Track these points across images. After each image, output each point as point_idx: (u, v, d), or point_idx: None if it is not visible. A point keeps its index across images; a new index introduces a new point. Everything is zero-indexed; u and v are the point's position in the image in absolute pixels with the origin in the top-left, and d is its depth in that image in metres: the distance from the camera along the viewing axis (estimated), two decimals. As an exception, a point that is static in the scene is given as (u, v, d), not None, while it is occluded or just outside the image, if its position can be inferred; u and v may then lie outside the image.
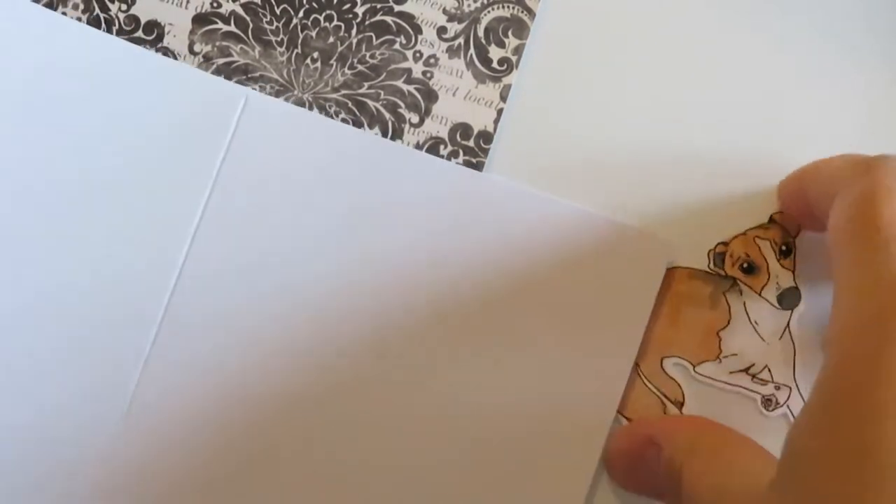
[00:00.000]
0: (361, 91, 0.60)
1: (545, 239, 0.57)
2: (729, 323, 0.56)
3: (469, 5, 0.61)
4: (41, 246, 0.57)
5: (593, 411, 0.56)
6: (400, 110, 0.60)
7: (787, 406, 0.59)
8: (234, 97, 0.58)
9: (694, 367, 0.57)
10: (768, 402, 0.58)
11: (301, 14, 0.60)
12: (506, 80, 0.61)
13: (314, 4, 0.61)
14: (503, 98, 0.61)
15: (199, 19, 0.60)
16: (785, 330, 0.57)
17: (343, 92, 0.60)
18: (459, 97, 0.61)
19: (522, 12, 0.61)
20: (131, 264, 0.57)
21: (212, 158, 0.58)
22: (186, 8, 0.60)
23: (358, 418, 0.57)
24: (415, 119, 0.60)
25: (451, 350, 0.58)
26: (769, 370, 0.58)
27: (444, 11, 0.61)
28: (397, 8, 0.61)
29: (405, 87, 0.60)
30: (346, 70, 0.60)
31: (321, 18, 0.60)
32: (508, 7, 0.61)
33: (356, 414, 0.57)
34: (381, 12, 0.61)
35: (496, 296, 0.58)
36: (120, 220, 0.58)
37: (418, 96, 0.60)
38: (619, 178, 0.59)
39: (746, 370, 0.58)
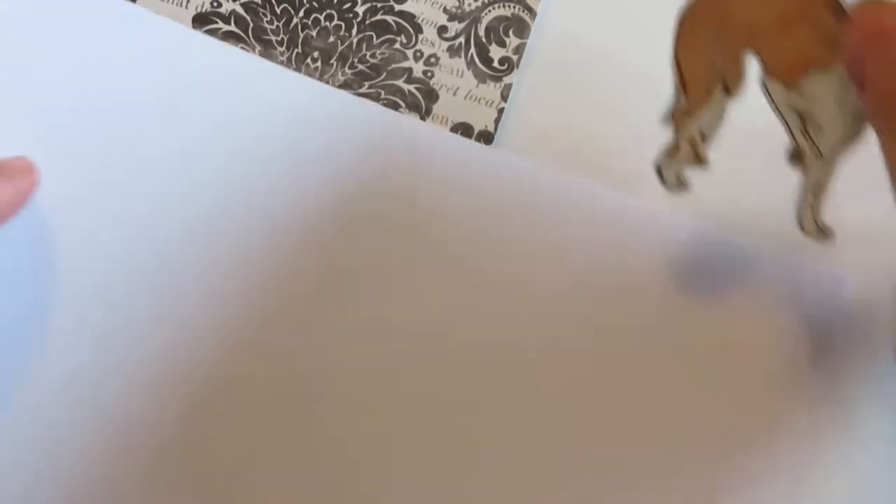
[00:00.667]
0: (362, 90, 0.60)
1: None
2: (822, 70, 0.55)
3: (470, 4, 0.61)
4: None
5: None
6: (401, 110, 0.60)
7: (808, 170, 0.57)
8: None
9: (768, 73, 0.56)
10: (796, 155, 0.57)
11: (301, 13, 0.60)
12: (507, 80, 0.61)
13: (314, 3, 0.60)
14: (504, 97, 0.61)
15: (200, 19, 0.60)
16: (859, 120, 0.56)
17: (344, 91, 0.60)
18: (460, 97, 0.60)
19: (523, 11, 0.61)
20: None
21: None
22: (186, 7, 0.60)
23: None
24: (415, 119, 0.60)
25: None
26: (821, 131, 0.56)
27: (445, 10, 0.61)
28: (398, 7, 0.61)
29: (406, 87, 0.60)
30: (347, 69, 0.60)
31: (321, 18, 0.60)
32: (509, 6, 0.61)
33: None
34: (381, 11, 0.61)
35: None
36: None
37: (419, 96, 0.60)
38: (621, 177, 0.59)
39: (802, 115, 0.57)
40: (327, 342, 0.57)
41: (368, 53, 0.60)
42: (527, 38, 0.61)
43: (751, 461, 0.58)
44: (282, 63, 0.60)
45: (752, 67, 0.55)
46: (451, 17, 0.61)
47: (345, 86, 0.60)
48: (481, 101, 0.60)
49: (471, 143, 0.59)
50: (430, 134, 0.58)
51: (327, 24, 0.60)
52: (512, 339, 0.58)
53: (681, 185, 0.57)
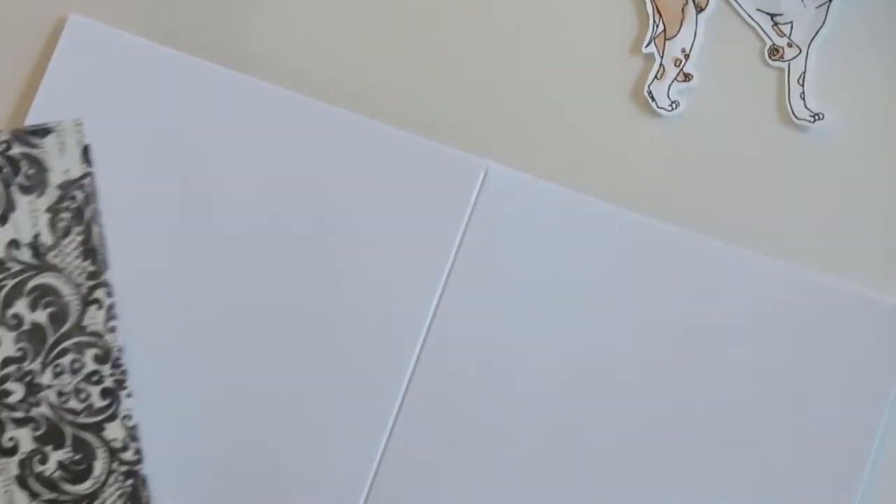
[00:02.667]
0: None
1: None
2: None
3: None
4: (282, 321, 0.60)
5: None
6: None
7: (789, 64, 0.60)
8: (475, 169, 0.61)
9: None
10: (774, 52, 0.60)
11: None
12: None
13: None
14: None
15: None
16: (827, 3, 0.60)
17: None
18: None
19: None
20: (371, 339, 0.60)
21: (453, 230, 0.60)
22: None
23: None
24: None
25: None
26: (792, 26, 0.60)
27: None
28: None
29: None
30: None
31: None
32: None
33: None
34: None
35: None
36: (362, 295, 0.61)
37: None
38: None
39: (773, 15, 0.60)
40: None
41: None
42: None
43: None
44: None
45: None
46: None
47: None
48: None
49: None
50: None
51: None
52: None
53: (672, 104, 0.61)
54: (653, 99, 0.61)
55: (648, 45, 0.61)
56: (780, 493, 0.58)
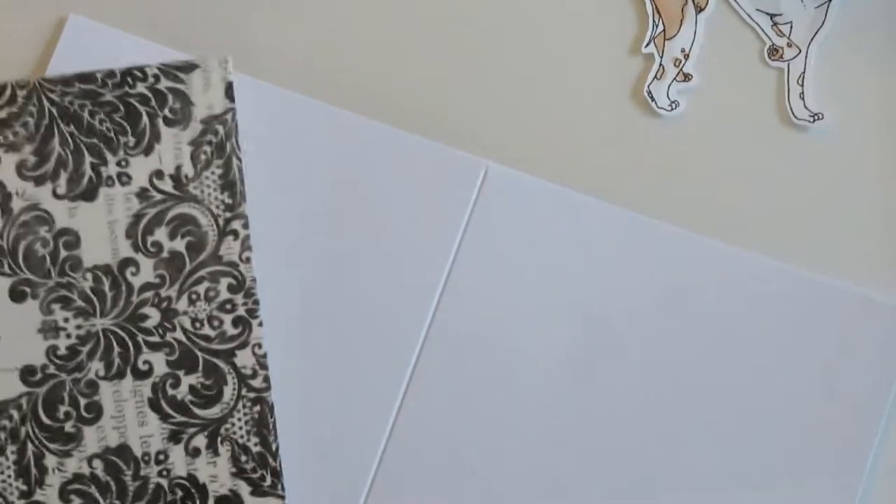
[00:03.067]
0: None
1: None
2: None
3: None
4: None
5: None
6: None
7: (788, 64, 0.60)
8: (475, 169, 0.61)
9: None
10: (774, 52, 0.60)
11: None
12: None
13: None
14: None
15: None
16: (826, 3, 0.60)
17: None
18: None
19: None
20: (372, 338, 0.60)
21: (453, 230, 0.61)
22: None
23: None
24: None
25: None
26: (791, 26, 0.60)
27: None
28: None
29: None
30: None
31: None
32: None
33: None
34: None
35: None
36: (362, 294, 0.61)
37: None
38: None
39: (772, 16, 0.60)
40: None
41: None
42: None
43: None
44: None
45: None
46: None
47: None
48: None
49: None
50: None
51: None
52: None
53: (672, 104, 0.61)
54: (652, 99, 0.61)
55: (648, 45, 0.61)
56: (781, 493, 0.58)
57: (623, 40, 0.62)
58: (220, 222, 0.60)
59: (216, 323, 0.59)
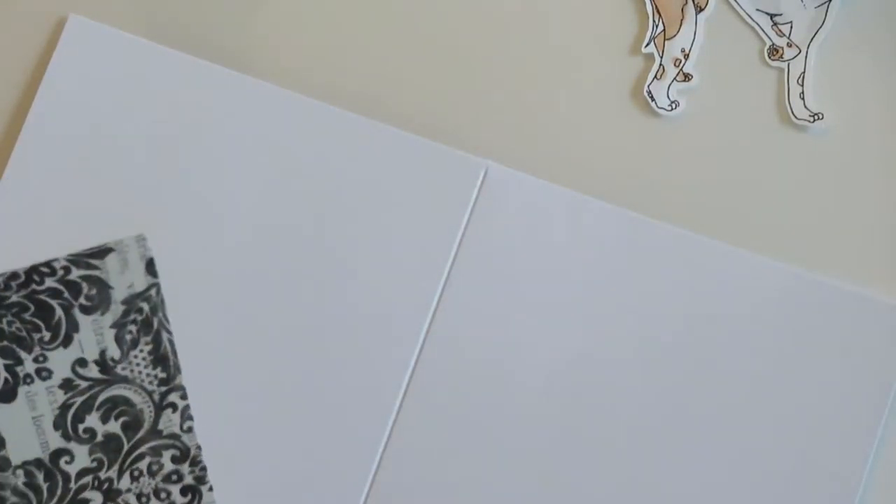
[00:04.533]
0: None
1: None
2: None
3: None
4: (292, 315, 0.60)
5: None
6: None
7: (788, 64, 0.60)
8: (475, 169, 0.61)
9: None
10: (774, 52, 0.60)
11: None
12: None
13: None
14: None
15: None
16: (826, 3, 0.60)
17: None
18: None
19: None
20: (372, 338, 0.60)
21: (453, 230, 0.61)
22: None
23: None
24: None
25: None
26: (791, 26, 0.60)
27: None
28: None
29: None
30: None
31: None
32: None
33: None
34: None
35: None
36: (362, 294, 0.61)
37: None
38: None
39: (772, 15, 0.60)
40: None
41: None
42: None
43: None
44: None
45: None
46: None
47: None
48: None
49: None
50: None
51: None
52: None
53: (672, 104, 0.61)
54: (652, 99, 0.61)
55: (648, 44, 0.61)
56: (781, 493, 0.58)
57: (623, 40, 0.62)
58: (156, 398, 0.59)
59: (163, 495, 0.58)
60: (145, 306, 0.59)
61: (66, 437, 0.58)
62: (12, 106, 0.63)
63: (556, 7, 0.62)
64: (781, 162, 0.61)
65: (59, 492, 0.58)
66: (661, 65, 0.61)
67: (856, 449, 0.58)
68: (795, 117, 0.60)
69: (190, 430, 0.59)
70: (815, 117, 0.60)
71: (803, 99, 0.60)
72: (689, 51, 0.61)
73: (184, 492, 0.58)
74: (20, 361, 0.59)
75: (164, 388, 0.59)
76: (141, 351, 0.59)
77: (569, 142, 0.62)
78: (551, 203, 0.60)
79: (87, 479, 0.58)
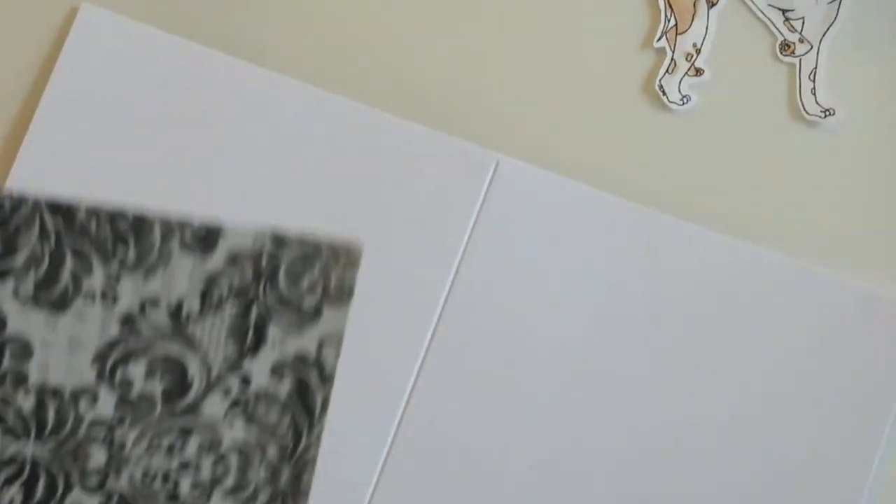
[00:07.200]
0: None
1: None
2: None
3: None
4: None
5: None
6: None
7: (800, 59, 0.60)
8: (486, 162, 0.62)
9: None
10: (786, 47, 0.60)
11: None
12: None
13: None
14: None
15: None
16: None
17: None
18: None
19: None
20: (380, 330, 0.60)
21: (464, 223, 0.61)
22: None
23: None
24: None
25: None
26: (803, 22, 0.60)
27: None
28: None
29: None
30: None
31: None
32: None
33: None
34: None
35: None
36: (371, 286, 0.60)
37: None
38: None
39: (784, 11, 0.60)
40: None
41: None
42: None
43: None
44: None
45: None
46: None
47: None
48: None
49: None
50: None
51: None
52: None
53: (683, 98, 0.61)
54: (664, 93, 0.61)
55: (660, 39, 0.61)
56: (786, 491, 0.58)
57: (635, 35, 0.62)
58: (213, 373, 0.49)
59: (170, 484, 0.49)
60: (249, 266, 0.50)
61: (101, 375, 0.48)
62: (25, 93, 0.63)
63: (568, 2, 0.62)
64: (792, 157, 0.61)
65: (63, 434, 0.49)
66: (672, 59, 0.61)
67: (863, 445, 0.58)
68: (807, 113, 0.60)
69: (231, 426, 0.50)
70: (827, 113, 0.60)
71: (815, 94, 0.60)
72: (701, 45, 0.61)
73: (194, 486, 0.49)
74: (90, 270, 0.48)
75: (226, 366, 0.49)
76: (221, 317, 0.49)
77: (579, 135, 0.62)
78: (561, 196, 0.60)
79: (101, 431, 0.49)
